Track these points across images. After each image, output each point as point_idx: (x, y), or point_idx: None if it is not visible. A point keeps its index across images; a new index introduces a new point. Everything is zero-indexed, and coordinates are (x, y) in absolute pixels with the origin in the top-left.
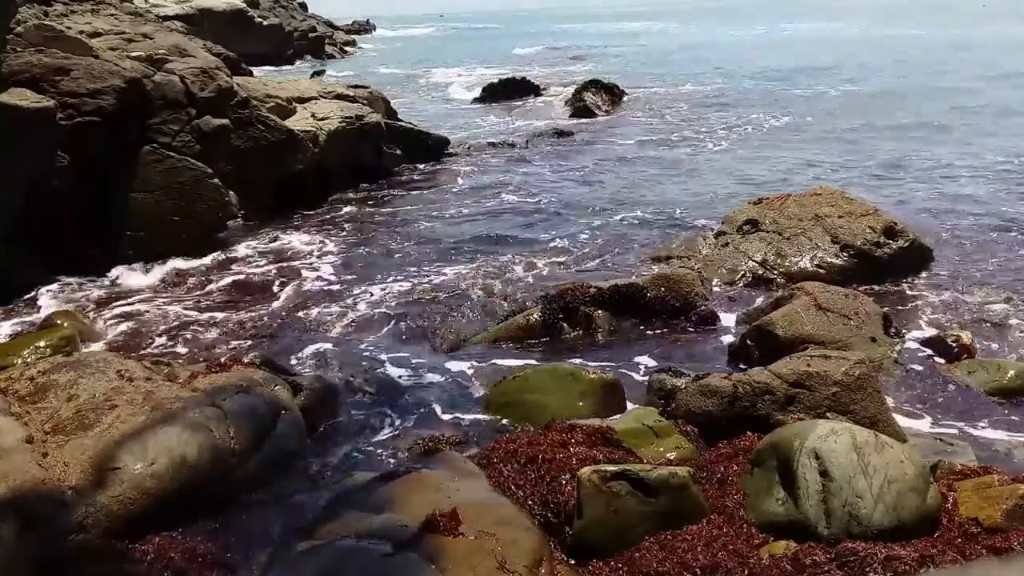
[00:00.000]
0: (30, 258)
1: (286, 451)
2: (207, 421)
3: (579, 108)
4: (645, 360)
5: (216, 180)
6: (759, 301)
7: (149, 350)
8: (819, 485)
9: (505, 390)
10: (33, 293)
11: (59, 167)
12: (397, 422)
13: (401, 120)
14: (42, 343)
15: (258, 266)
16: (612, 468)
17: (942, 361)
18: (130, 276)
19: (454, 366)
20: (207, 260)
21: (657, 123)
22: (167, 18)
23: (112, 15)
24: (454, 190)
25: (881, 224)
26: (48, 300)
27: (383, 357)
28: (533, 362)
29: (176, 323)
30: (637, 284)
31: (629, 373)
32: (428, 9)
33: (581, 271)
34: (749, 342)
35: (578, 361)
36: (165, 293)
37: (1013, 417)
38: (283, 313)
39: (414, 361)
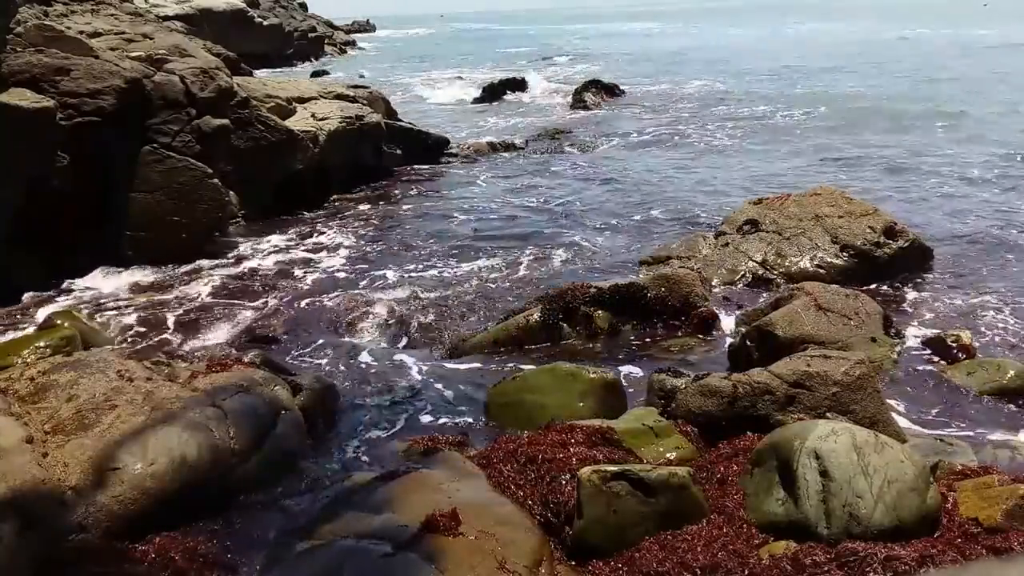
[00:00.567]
0: (30, 258)
1: (286, 451)
2: (207, 421)
3: (579, 107)
4: (645, 360)
5: (216, 180)
6: (759, 301)
7: (149, 350)
8: (819, 485)
9: (505, 390)
10: (33, 293)
11: (59, 167)
12: (397, 422)
13: (401, 120)
14: (42, 343)
15: (258, 266)
16: (612, 468)
17: (942, 361)
18: (130, 276)
19: (454, 366)
20: (207, 260)
21: (657, 123)
22: (167, 18)
23: (112, 15)
24: (454, 190)
25: (881, 224)
26: (48, 300)
27: (383, 357)
28: (533, 362)
29: (176, 323)
30: (637, 284)
31: (629, 373)
32: (429, 9)
33: (581, 271)
34: (749, 342)
35: (578, 361)
36: (165, 293)
37: (1013, 417)
38: (283, 313)
39: (414, 361)
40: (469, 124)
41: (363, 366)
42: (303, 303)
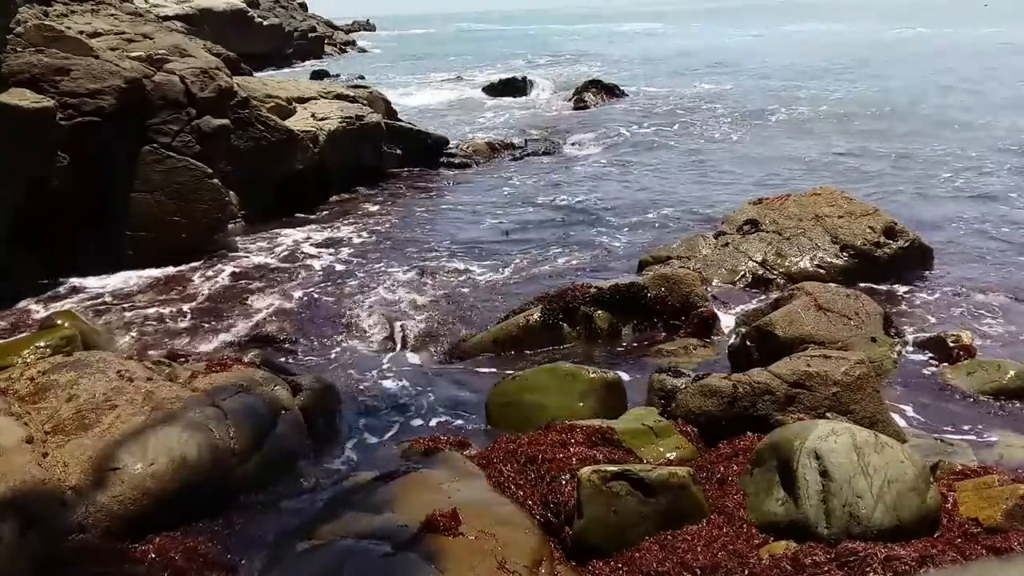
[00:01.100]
0: (30, 258)
1: (286, 451)
2: (207, 421)
3: (579, 107)
4: (645, 360)
5: (216, 180)
6: (759, 301)
7: (149, 350)
8: (819, 485)
9: (505, 390)
10: (33, 293)
11: (59, 167)
12: (397, 422)
13: (401, 120)
14: (42, 343)
15: (258, 266)
16: (612, 468)
17: (942, 361)
18: (130, 276)
19: (454, 366)
20: (207, 260)
21: (657, 123)
22: (167, 18)
23: (112, 15)
24: (453, 190)
25: (881, 224)
26: (48, 300)
27: (383, 356)
28: (533, 362)
29: (176, 323)
30: (637, 284)
31: (629, 373)
32: (430, 9)
33: (581, 271)
34: (749, 342)
35: (578, 361)
36: (165, 293)
37: (1013, 417)
38: (283, 313)
39: (414, 361)
40: (469, 124)
41: (363, 366)
42: (303, 303)
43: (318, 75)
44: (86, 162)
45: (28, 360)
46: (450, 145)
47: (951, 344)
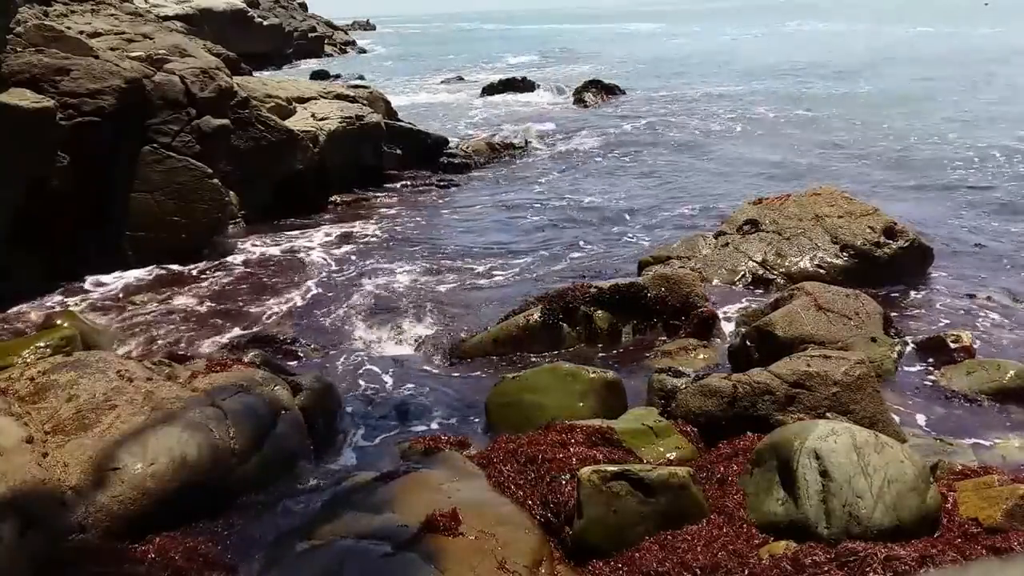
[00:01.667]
0: (30, 258)
1: (286, 451)
2: (207, 421)
3: (579, 107)
4: (645, 360)
5: (216, 180)
6: (759, 301)
7: (149, 350)
8: (819, 485)
9: (505, 390)
10: (33, 293)
11: (59, 167)
12: (397, 422)
13: (401, 120)
14: (42, 343)
15: (258, 266)
16: (612, 468)
17: (942, 361)
18: (130, 276)
19: (454, 366)
20: (207, 260)
21: (657, 123)
22: (167, 18)
23: (112, 15)
24: (453, 190)
25: (881, 224)
26: (48, 300)
27: (383, 356)
28: (533, 362)
29: (176, 323)
30: (637, 284)
31: (629, 373)
32: (430, 9)
33: (581, 271)
34: (749, 342)
35: (578, 361)
36: (165, 293)
37: (1013, 417)
38: (283, 313)
39: (414, 361)
40: (469, 124)
41: (363, 366)
42: (303, 303)
43: (318, 75)
44: (86, 162)
45: (28, 360)
46: (450, 145)
47: (951, 344)
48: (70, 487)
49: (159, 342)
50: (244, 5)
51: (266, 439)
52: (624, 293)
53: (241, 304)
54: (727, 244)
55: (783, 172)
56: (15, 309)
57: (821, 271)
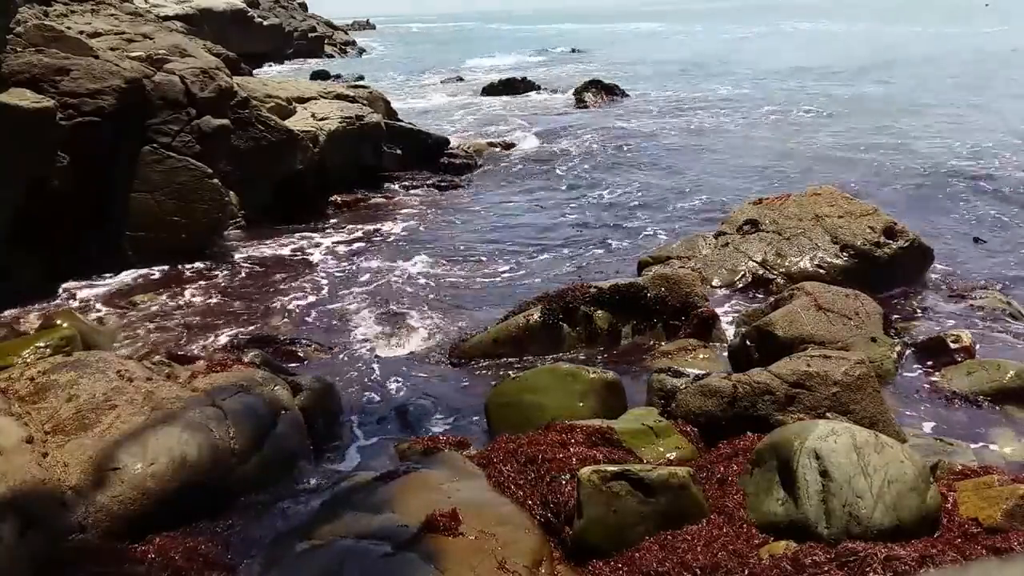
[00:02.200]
0: (30, 258)
1: (286, 451)
2: (207, 421)
3: (579, 107)
4: (645, 360)
5: (216, 180)
6: (759, 301)
7: (149, 350)
8: (819, 485)
9: (505, 390)
10: (33, 293)
11: (59, 167)
12: (397, 422)
13: (401, 120)
14: (42, 343)
15: (257, 266)
16: (612, 468)
17: (942, 361)
18: (130, 276)
19: (454, 366)
20: (207, 260)
21: (657, 123)
22: (167, 18)
23: (112, 15)
24: (453, 190)
25: (881, 224)
26: (48, 300)
27: (384, 356)
28: (533, 362)
29: (176, 323)
30: (637, 284)
31: (629, 373)
32: (430, 9)
33: (581, 270)
34: (749, 342)
35: (578, 361)
36: (165, 293)
37: (1013, 417)
38: (283, 313)
39: (414, 361)
40: (469, 124)
41: (363, 366)
42: (303, 303)
43: (318, 75)
44: (86, 162)
45: (28, 360)
46: (451, 145)
47: (951, 344)
48: (70, 487)
49: (159, 342)
50: (244, 5)
51: (266, 439)
52: (624, 293)
53: (241, 304)
54: (727, 244)
55: (783, 172)
56: (15, 309)
57: (821, 271)
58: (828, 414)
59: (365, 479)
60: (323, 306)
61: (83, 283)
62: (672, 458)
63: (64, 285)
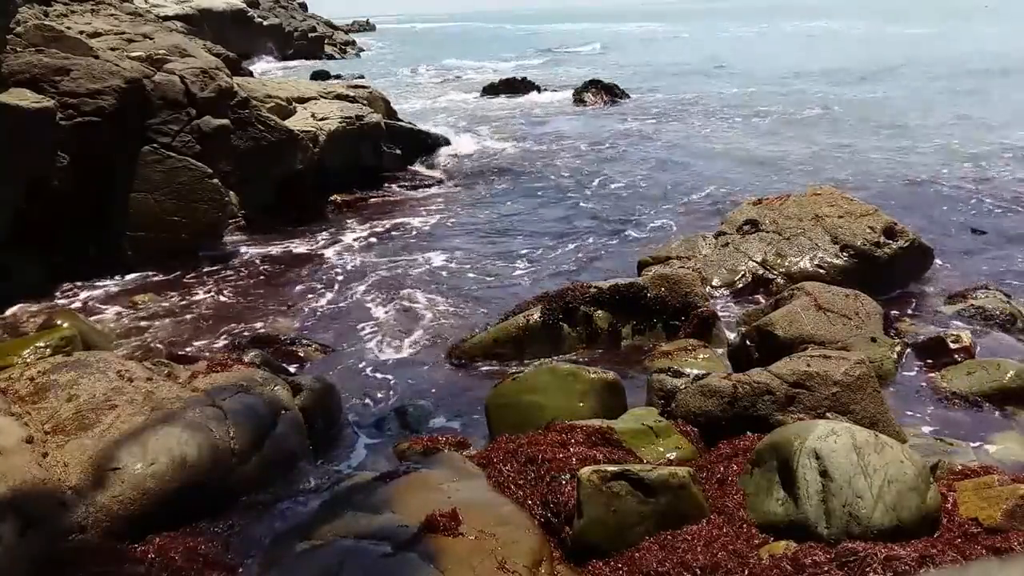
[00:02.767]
0: (30, 258)
1: (286, 451)
2: (207, 421)
3: (579, 107)
4: (645, 360)
5: (216, 180)
6: (759, 301)
7: (149, 350)
8: (819, 485)
9: (505, 390)
10: (33, 293)
11: (59, 167)
12: (397, 422)
13: (401, 120)
14: (42, 343)
15: (257, 266)
16: (612, 468)
17: (942, 361)
18: (130, 276)
19: (454, 366)
20: (206, 260)
21: (657, 123)
22: (167, 18)
23: (112, 15)
24: (453, 190)
25: (881, 224)
26: (48, 300)
27: (383, 356)
28: (533, 362)
29: (176, 323)
30: (637, 284)
31: (629, 373)
32: (431, 9)
33: (581, 271)
34: (749, 342)
35: (578, 361)
36: (165, 293)
37: (1013, 417)
38: (283, 313)
39: (414, 361)
40: (469, 124)
41: (363, 366)
42: (302, 303)
43: (318, 75)
44: (86, 162)
45: (28, 360)
46: (450, 145)
47: (951, 344)
48: (70, 487)
49: (159, 342)
50: (244, 5)
51: (266, 439)
52: (624, 293)
53: (241, 304)
54: (727, 244)
55: (783, 172)
56: (15, 309)
57: (821, 271)
58: (828, 414)
59: (365, 479)
60: (323, 306)
61: (83, 283)
62: (672, 458)
63: (64, 285)
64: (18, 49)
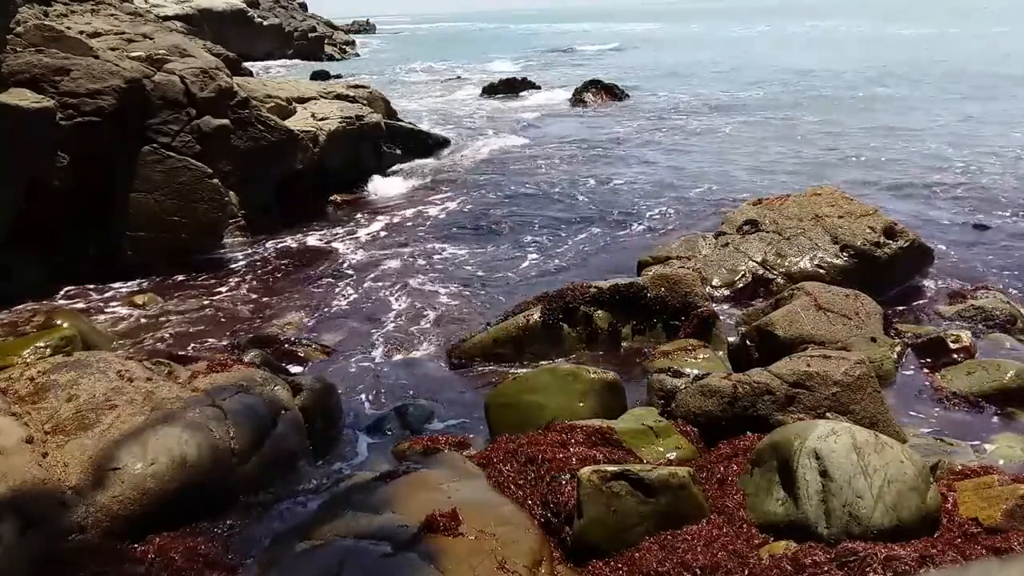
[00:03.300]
0: (30, 258)
1: (286, 451)
2: (207, 421)
3: (579, 107)
4: (645, 360)
5: (216, 180)
6: (759, 301)
7: (149, 350)
8: (819, 485)
9: (505, 390)
10: (33, 293)
11: (59, 167)
12: (397, 422)
13: (401, 120)
14: (42, 343)
15: (257, 266)
16: (612, 468)
17: (942, 361)
18: (130, 276)
19: (454, 366)
20: (207, 260)
21: (657, 123)
22: (167, 18)
23: (112, 15)
24: (453, 190)
25: (881, 224)
26: (48, 300)
27: (383, 356)
28: (533, 362)
29: (176, 323)
30: (637, 284)
31: (629, 373)
32: (430, 9)
33: (581, 270)
34: (749, 342)
35: (578, 361)
36: (164, 293)
37: (1013, 417)
38: (283, 313)
39: (414, 361)
40: (468, 123)
41: (363, 366)
42: (303, 303)
43: (318, 75)
44: (86, 162)
45: (28, 360)
46: (451, 144)
47: (951, 344)
48: (70, 487)
49: (159, 342)
50: (244, 5)
51: (266, 439)
52: (624, 293)
53: (241, 304)
54: (727, 244)
55: (783, 172)
56: (15, 309)
57: (821, 271)
58: (828, 414)
59: (365, 479)
60: (323, 306)
61: (83, 283)
62: (672, 458)
63: (64, 285)
64: (18, 49)
